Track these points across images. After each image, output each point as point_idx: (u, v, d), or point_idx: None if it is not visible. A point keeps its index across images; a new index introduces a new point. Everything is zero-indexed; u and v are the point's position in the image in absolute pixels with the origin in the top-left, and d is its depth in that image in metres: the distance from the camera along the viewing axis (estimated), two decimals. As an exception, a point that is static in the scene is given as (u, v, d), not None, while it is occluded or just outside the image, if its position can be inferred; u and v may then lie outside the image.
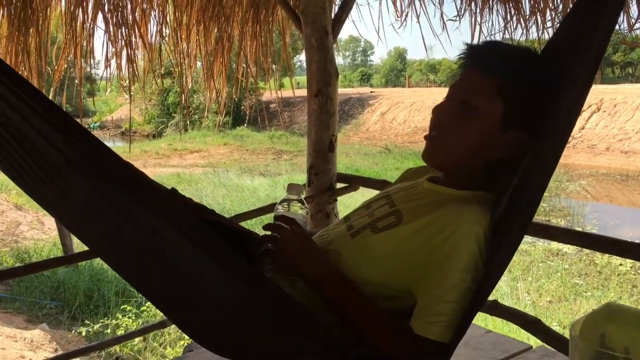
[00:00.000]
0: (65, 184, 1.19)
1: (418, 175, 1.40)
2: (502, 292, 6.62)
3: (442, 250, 1.14)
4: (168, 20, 3.18)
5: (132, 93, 3.07)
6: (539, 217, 10.87)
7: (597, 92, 18.71)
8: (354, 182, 2.52)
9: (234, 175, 14.66)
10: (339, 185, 2.55)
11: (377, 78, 47.93)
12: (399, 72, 46.91)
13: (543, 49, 1.37)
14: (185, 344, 4.73)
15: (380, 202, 1.34)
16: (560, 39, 1.34)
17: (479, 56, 1.25)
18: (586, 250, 8.12)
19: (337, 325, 1.20)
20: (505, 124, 1.20)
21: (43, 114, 1.07)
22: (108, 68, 2.97)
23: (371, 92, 27.21)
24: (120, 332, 5.77)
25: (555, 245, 8.43)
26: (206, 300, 1.21)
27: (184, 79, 3.40)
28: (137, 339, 5.75)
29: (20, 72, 2.83)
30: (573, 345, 0.90)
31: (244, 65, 3.26)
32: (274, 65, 3.92)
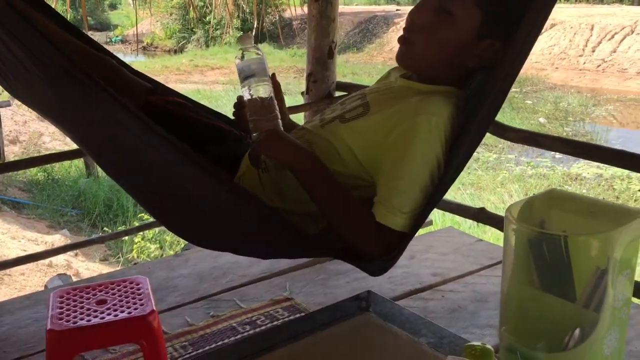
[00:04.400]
0: (36, 89, 1.24)
1: (396, 73, 1.40)
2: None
3: (401, 140, 1.16)
4: None
5: (135, 2, 3.00)
6: (560, 142, 10.72)
7: (633, 14, 17.91)
8: (353, 90, 2.49)
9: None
10: (338, 93, 2.53)
11: (406, -5, 46.23)
12: (428, -11, 45.12)
13: None
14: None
15: (354, 97, 1.35)
16: None
17: None
18: (605, 176, 8.08)
19: (302, 218, 1.24)
20: (481, 32, 1.18)
21: (12, 33, 1.09)
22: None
23: (397, 10, 26.34)
24: (137, 239, 6.00)
25: (574, 169, 8.37)
26: (177, 198, 1.26)
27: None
28: (153, 247, 5.97)
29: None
30: (509, 227, 0.91)
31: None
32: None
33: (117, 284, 1.78)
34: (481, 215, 2.11)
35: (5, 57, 1.17)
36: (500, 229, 2.02)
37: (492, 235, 5.40)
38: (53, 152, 9.25)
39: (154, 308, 1.35)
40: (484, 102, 1.16)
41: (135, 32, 27.08)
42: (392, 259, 1.24)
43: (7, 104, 7.58)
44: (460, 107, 1.20)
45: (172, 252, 5.98)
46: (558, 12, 20.10)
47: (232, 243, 1.36)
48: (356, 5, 39.15)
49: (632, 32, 16.62)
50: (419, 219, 1.18)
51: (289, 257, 1.48)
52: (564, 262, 0.87)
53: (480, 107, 1.17)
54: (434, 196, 1.17)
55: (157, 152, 1.14)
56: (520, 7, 1.12)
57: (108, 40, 26.22)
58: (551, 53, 17.62)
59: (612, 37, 16.90)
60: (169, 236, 6.16)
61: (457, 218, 5.34)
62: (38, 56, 1.10)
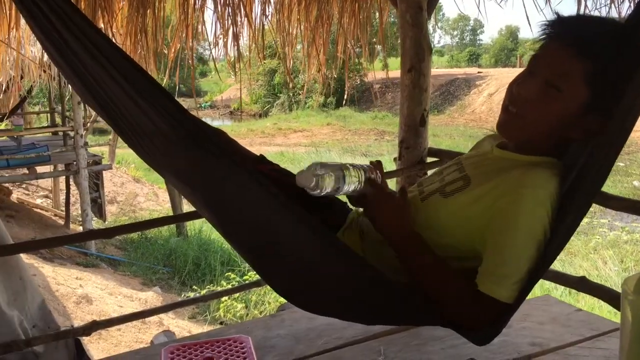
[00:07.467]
0: (169, 155, 1.37)
1: (491, 141, 1.42)
2: (612, 282, 6.30)
3: (507, 213, 1.17)
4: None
5: (238, 71, 3.23)
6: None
7: None
8: (444, 156, 2.54)
9: (336, 155, 14.87)
10: (430, 159, 2.59)
11: (486, 58, 46.18)
12: (510, 51, 44.90)
13: (626, 22, 1.32)
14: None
15: (451, 169, 1.38)
16: None
17: (570, 33, 1.19)
18: None
19: (406, 285, 1.27)
20: (587, 109, 1.18)
21: (149, 100, 1.25)
22: (216, 47, 3.15)
23: (478, 72, 26.38)
24: (224, 298, 6.13)
25: (676, 234, 7.90)
26: (286, 257, 1.32)
27: (286, 58, 3.49)
28: (239, 306, 6.08)
29: (138, 52, 3.08)
30: (625, 300, 0.91)
31: (346, 45, 3.29)
32: (378, 46, 3.92)
33: (222, 342, 1.87)
34: (582, 285, 2.05)
35: (146, 127, 1.31)
36: (603, 298, 1.96)
37: (586, 304, 5.14)
38: (146, 211, 9.76)
39: (260, 367, 1.41)
40: (590, 172, 1.17)
41: (221, 98, 28.52)
42: (497, 329, 1.25)
43: (108, 167, 8.12)
44: (562, 177, 1.21)
45: (257, 312, 6.07)
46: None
47: (337, 307, 1.40)
48: (437, 68, 39.58)
49: None
50: (525, 290, 1.18)
51: (394, 324, 1.50)
52: (685, 337, 0.87)
53: (585, 177, 1.19)
54: (541, 267, 1.17)
55: (271, 211, 1.22)
56: (626, 83, 1.12)
57: (198, 106, 27.82)
58: (643, 113, 16.99)
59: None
60: (254, 296, 6.28)
61: (547, 284, 5.15)
62: (171, 122, 1.24)
